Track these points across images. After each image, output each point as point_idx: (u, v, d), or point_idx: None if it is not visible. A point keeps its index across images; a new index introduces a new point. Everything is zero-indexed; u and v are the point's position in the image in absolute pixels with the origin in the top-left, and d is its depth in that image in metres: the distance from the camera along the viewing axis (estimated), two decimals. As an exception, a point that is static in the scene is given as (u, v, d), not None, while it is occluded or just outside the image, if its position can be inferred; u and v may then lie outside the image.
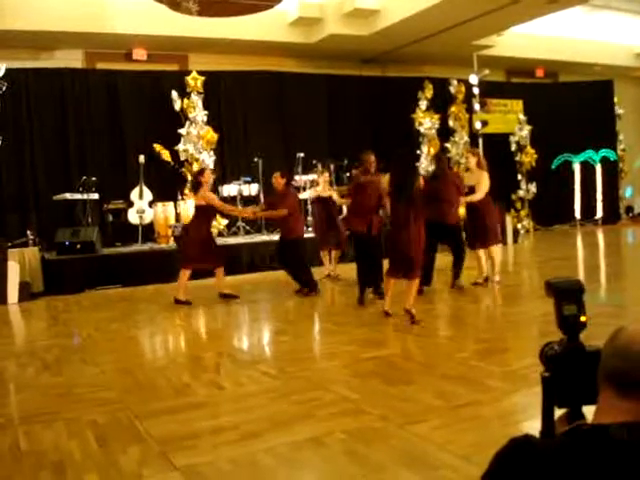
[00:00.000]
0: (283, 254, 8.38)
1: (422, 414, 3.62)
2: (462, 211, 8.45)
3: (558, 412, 1.37)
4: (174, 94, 11.83)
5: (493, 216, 8.26)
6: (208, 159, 11.83)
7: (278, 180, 8.34)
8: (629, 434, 1.09)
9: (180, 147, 11.79)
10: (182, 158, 11.83)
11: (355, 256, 7.84)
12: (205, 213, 8.04)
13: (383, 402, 3.88)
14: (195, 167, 11.73)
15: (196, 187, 8.06)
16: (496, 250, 8.18)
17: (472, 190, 8.02)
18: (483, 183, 7.97)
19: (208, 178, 8.17)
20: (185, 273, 8.03)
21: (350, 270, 8.37)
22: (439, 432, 3.34)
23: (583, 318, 1.39)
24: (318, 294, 8.24)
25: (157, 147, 11.60)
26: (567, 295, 1.41)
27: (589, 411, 1.27)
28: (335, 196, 9.23)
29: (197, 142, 11.80)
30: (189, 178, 11.80)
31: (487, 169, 8.23)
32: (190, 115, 11.86)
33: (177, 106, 11.84)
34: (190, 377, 4.79)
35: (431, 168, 13.65)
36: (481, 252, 8.11)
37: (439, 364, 4.76)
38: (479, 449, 2.91)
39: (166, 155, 11.62)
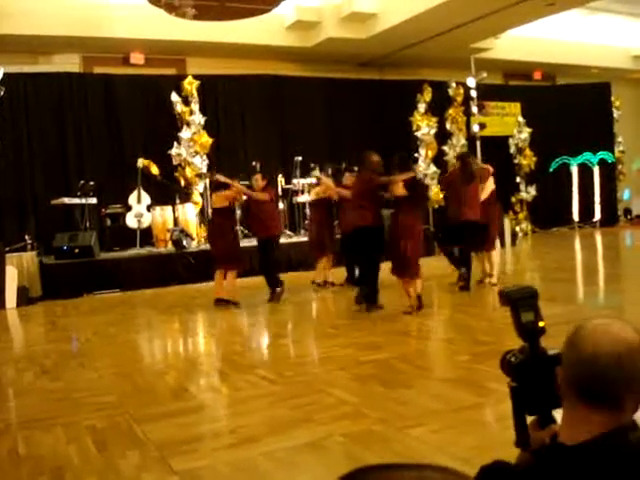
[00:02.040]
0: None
1: (421, 417, 3.61)
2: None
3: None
4: (175, 96, 11.78)
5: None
6: (201, 163, 11.78)
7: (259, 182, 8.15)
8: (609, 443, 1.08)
9: (173, 151, 11.76)
10: (175, 162, 11.77)
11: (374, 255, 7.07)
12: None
13: (382, 405, 3.87)
14: (188, 171, 11.70)
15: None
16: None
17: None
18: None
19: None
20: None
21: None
22: (438, 435, 3.33)
23: (541, 323, 1.38)
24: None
25: (144, 162, 11.42)
26: (522, 303, 1.40)
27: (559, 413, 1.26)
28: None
29: (192, 146, 11.75)
30: (182, 183, 11.77)
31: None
32: (189, 118, 11.83)
33: (178, 108, 11.79)
34: (188, 381, 4.78)
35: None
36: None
37: (438, 367, 4.76)
38: (479, 452, 2.90)
39: (154, 169, 11.56)
